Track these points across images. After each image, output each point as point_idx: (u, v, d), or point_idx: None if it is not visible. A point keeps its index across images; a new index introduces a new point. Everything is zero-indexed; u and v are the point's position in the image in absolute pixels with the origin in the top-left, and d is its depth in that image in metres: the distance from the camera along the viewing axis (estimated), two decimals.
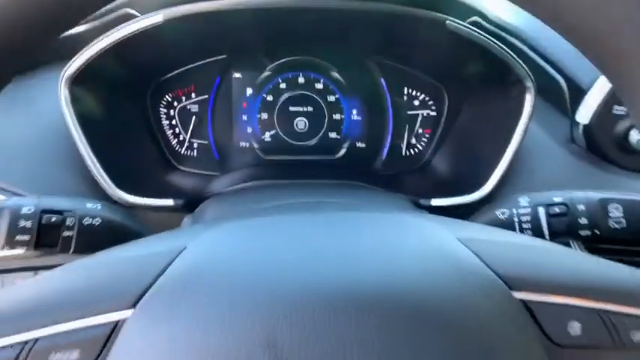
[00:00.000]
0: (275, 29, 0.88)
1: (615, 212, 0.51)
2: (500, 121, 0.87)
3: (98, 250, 0.40)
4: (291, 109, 1.06)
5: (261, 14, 0.76)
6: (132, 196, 0.80)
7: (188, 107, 1.03)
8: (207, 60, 0.99)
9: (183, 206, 0.82)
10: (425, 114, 1.10)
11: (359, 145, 1.10)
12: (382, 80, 1.05)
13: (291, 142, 1.08)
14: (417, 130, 1.10)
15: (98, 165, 0.76)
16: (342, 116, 1.08)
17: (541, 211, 0.54)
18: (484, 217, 0.61)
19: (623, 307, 0.32)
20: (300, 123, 1.07)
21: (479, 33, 0.73)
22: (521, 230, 0.58)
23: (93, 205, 0.56)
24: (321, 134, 1.08)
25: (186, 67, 1.00)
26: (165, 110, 1.02)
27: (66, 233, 0.54)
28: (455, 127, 1.02)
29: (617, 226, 0.50)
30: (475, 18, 0.86)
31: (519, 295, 0.31)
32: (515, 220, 0.58)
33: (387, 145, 1.10)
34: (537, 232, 0.56)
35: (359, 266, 0.31)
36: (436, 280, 0.31)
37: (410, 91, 1.08)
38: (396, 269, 0.31)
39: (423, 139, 1.10)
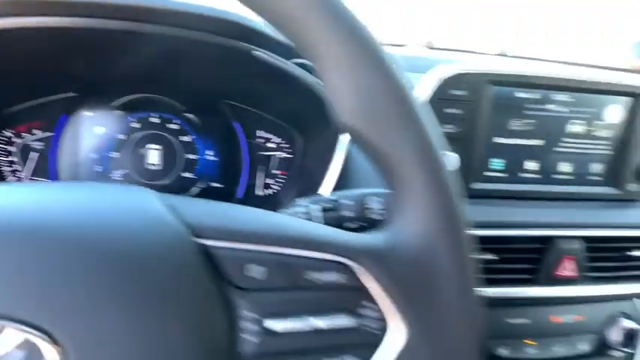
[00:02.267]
0: (118, 61, 0.90)
1: (375, 205, 0.56)
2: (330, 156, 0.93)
3: None
4: (145, 147, 1.07)
5: (88, 37, 0.77)
6: None
7: (30, 144, 1.00)
8: (51, 97, 0.99)
9: None
10: (281, 156, 1.16)
11: (214, 185, 1.12)
12: (235, 124, 1.11)
13: (144, 181, 1.07)
14: (272, 172, 1.15)
15: None
16: (197, 157, 1.11)
17: (314, 208, 0.58)
18: None
19: (298, 250, 0.35)
20: (153, 162, 1.08)
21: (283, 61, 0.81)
22: None
23: None
24: (174, 173, 1.09)
25: (28, 104, 0.98)
26: (2, 146, 0.98)
27: None
28: (302, 168, 1.08)
29: (379, 217, 0.55)
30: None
31: (200, 240, 0.33)
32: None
33: (244, 185, 1.13)
34: None
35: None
36: (120, 223, 0.32)
37: (264, 134, 1.14)
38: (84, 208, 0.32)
39: (279, 180, 1.15)
